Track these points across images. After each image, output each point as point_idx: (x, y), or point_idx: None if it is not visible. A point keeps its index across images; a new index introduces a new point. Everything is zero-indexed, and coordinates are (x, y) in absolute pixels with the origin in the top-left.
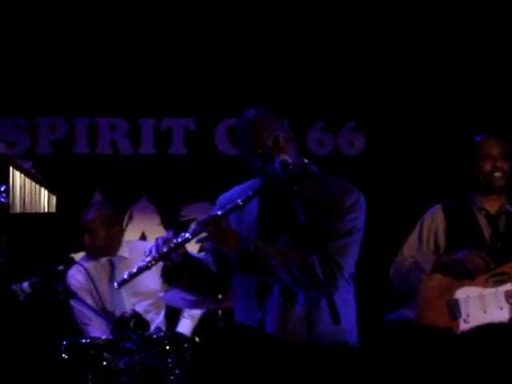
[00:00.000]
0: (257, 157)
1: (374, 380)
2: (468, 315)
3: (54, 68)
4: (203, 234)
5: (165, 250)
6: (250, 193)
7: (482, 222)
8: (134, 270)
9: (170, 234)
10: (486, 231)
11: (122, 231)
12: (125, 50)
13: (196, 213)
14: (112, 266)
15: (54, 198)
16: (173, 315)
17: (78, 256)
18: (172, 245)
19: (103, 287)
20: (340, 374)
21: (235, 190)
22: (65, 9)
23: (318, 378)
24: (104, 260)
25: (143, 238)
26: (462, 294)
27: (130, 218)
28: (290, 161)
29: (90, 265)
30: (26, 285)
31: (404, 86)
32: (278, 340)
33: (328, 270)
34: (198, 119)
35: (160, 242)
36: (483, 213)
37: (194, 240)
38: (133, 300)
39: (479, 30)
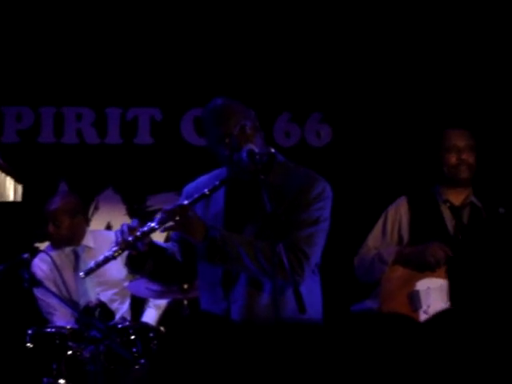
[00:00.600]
0: (223, 146)
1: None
2: (428, 306)
3: (21, 57)
4: (170, 224)
5: (130, 239)
6: (217, 182)
7: (446, 213)
8: (101, 259)
9: (136, 222)
10: (450, 223)
11: (86, 221)
12: (91, 40)
13: (162, 203)
14: (76, 256)
15: (19, 187)
16: (138, 305)
17: (43, 246)
18: (138, 234)
19: (68, 277)
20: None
21: (202, 179)
22: None
23: (283, 357)
24: (68, 250)
25: (109, 227)
26: (423, 285)
27: (96, 207)
28: (256, 150)
29: (54, 254)
30: None
31: (370, 77)
32: (242, 327)
33: (295, 259)
34: (164, 109)
35: (125, 228)
36: (447, 205)
37: (160, 229)
38: (97, 289)
39: (444, 22)
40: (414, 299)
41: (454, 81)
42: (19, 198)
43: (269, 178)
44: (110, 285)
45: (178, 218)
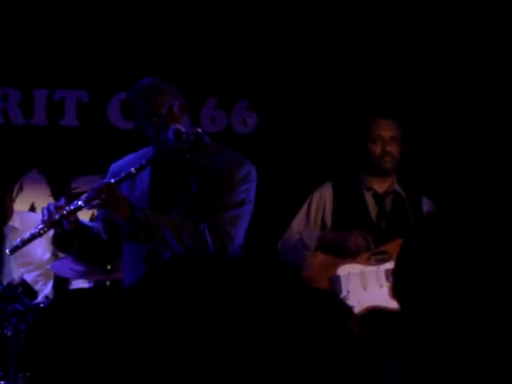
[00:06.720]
0: (151, 125)
1: None
2: (348, 292)
3: None
4: (95, 202)
5: (57, 217)
6: (144, 161)
7: (369, 201)
8: (26, 237)
9: (63, 201)
10: (373, 210)
11: (12, 201)
12: (18, 20)
13: (87, 185)
14: (2, 237)
15: None
16: (61, 286)
17: None
18: (64, 212)
19: None
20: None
21: (128, 158)
22: None
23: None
24: None
25: (33, 209)
26: (344, 270)
27: (20, 188)
28: (183, 130)
29: None
30: None
31: (296, 65)
32: None
33: (218, 240)
34: (91, 92)
35: (52, 207)
36: (371, 192)
37: (86, 207)
38: (22, 270)
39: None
40: (335, 284)
41: (382, 69)
42: None
43: (195, 158)
44: (35, 266)
45: (103, 196)
